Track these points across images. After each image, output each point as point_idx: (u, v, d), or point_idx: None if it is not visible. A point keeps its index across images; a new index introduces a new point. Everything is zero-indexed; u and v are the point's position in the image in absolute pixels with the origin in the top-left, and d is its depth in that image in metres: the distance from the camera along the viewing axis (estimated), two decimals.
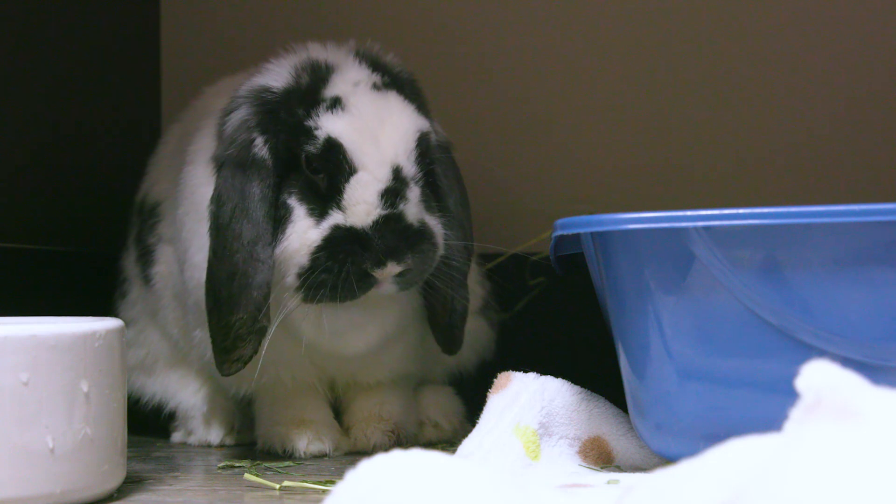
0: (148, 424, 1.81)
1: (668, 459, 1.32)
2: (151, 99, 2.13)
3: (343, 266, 1.45)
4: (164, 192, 1.77)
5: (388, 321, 1.59)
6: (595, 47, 2.23)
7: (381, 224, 1.46)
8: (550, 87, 2.24)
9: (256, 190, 1.49)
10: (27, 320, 1.35)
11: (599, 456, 1.41)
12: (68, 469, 1.19)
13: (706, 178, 2.18)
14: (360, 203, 1.46)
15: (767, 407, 1.03)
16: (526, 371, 1.42)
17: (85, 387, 1.21)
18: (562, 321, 2.16)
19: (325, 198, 1.48)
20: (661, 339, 1.27)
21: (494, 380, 1.43)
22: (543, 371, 1.43)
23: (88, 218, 2.13)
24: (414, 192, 1.50)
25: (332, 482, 1.30)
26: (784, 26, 2.17)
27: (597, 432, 1.41)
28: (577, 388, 1.43)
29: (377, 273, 1.46)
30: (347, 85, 1.53)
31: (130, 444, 1.35)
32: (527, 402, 1.38)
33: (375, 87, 1.54)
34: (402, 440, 1.69)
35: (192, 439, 1.78)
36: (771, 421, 0.86)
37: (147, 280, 1.77)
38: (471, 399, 1.76)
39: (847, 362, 1.10)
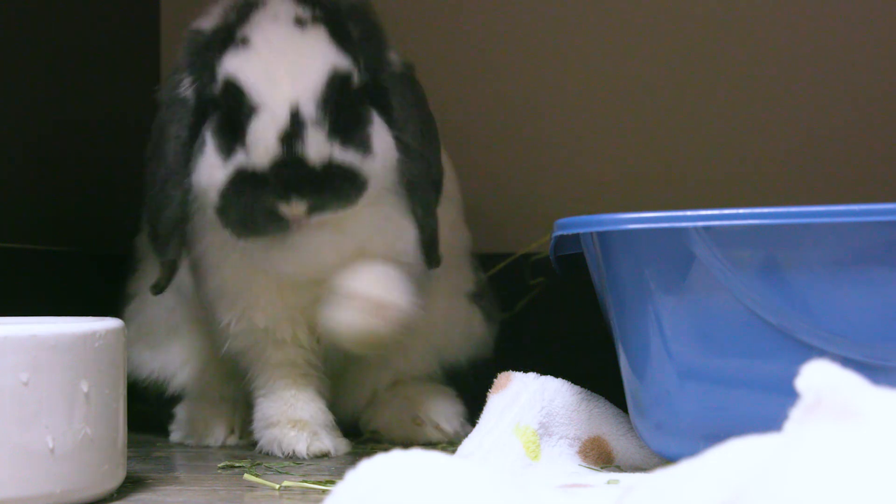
0: (148, 424, 1.81)
1: (668, 459, 1.32)
2: (152, 98, 2.13)
3: (247, 206, 1.46)
4: None
5: (344, 244, 1.55)
6: (596, 48, 2.23)
7: (279, 164, 1.44)
8: (551, 87, 2.25)
9: (172, 129, 1.55)
10: (27, 320, 1.35)
11: (599, 456, 1.41)
12: (68, 469, 1.19)
13: (706, 179, 2.18)
14: (259, 143, 1.45)
15: (767, 407, 1.02)
16: (526, 371, 1.42)
17: (85, 387, 1.21)
18: (562, 321, 2.15)
19: (233, 137, 1.49)
20: (661, 339, 1.27)
21: (494, 380, 1.43)
22: (543, 371, 1.42)
23: (88, 218, 2.13)
24: (320, 132, 1.45)
25: (332, 482, 1.30)
26: (784, 27, 2.17)
27: (597, 432, 1.41)
28: (577, 388, 1.42)
29: (285, 210, 1.45)
30: (266, 21, 1.51)
31: (130, 444, 1.35)
32: (527, 402, 1.38)
33: (298, 21, 1.51)
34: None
35: (192, 440, 1.77)
36: (771, 421, 0.86)
37: None
38: (470, 399, 1.76)
39: (847, 362, 1.09)
